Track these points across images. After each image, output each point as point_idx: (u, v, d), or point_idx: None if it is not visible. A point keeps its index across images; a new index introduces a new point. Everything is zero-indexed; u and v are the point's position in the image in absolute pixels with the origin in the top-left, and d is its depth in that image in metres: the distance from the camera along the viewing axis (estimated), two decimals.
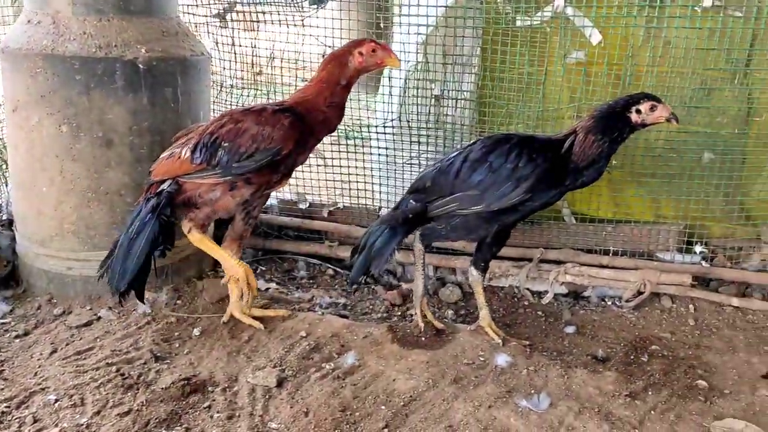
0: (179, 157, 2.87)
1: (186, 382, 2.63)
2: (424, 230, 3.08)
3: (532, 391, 2.62)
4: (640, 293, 3.47)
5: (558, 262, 3.63)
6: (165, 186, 2.91)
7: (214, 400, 2.54)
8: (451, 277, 3.79)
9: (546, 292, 3.64)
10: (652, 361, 2.97)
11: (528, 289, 3.68)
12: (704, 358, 2.99)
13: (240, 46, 3.73)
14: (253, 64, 3.64)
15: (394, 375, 2.72)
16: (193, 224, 2.96)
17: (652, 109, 2.71)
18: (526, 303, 3.61)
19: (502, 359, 2.86)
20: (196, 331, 3.05)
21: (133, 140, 3.18)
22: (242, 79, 3.81)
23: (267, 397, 2.55)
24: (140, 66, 3.10)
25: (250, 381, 2.64)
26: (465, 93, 3.45)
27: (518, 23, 3.18)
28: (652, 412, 2.53)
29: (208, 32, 3.69)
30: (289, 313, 3.14)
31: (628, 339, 3.21)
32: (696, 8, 3.20)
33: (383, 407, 2.51)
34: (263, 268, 3.80)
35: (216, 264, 3.62)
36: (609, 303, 3.58)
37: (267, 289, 3.54)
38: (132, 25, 3.18)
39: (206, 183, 2.86)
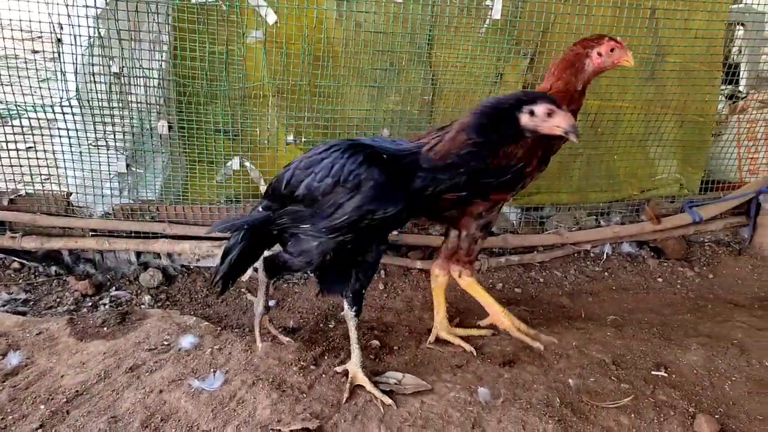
0: None
1: None
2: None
3: (212, 370, 2.64)
4: None
5: None
6: None
7: None
8: (156, 260, 3.68)
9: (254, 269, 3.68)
10: (337, 327, 3.15)
11: None
12: (384, 320, 3.25)
13: None
14: None
15: (63, 371, 2.58)
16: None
17: None
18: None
19: (186, 341, 2.84)
20: None
21: None
22: None
23: None
24: None
25: None
26: (154, 71, 3.32)
27: (194, 0, 3.12)
28: (324, 375, 2.68)
29: None
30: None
31: (322, 308, 3.38)
32: None
33: (42, 406, 2.36)
34: None
35: None
36: (312, 275, 3.72)
37: None
38: None
39: None
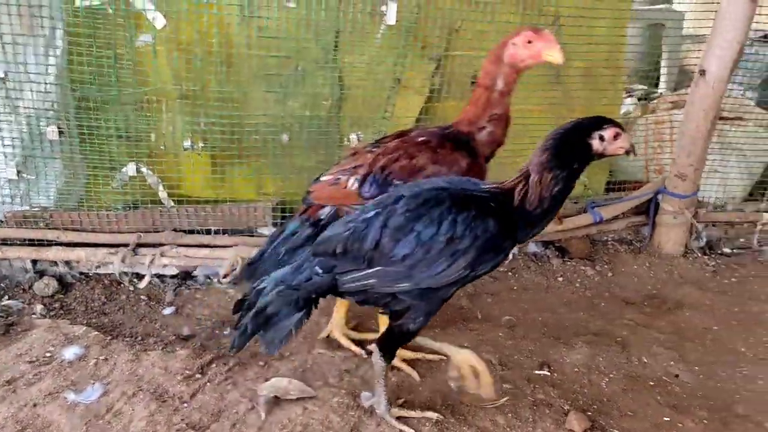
0: (345, 187, 2.58)
1: None
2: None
3: (92, 382, 2.61)
4: (234, 269, 3.65)
5: (162, 245, 3.65)
6: (324, 215, 2.64)
7: None
8: (53, 268, 3.60)
9: (156, 275, 3.64)
10: (231, 334, 3.14)
11: (136, 273, 3.65)
12: None
13: None
14: None
15: None
16: None
17: None
18: (131, 288, 3.57)
19: (71, 352, 2.80)
20: None
21: None
22: None
23: None
24: None
25: None
26: (41, 76, 3.24)
27: (77, 3, 3.06)
28: (209, 383, 2.67)
29: None
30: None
31: (221, 314, 3.36)
32: None
33: None
34: None
35: None
36: (214, 281, 3.71)
37: None
38: None
39: None
